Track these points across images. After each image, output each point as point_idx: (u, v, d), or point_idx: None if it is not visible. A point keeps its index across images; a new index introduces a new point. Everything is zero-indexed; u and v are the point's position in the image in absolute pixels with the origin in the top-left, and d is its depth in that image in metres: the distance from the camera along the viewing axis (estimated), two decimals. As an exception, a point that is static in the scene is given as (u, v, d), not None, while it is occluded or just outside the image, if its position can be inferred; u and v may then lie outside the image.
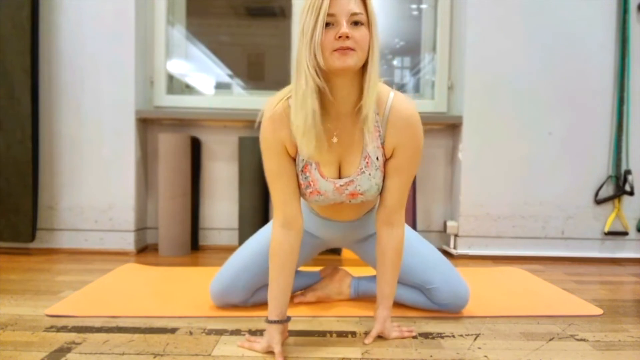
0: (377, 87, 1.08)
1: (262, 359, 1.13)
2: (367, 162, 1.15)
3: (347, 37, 1.00)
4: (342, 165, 1.18)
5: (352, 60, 1.01)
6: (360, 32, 1.02)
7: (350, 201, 1.23)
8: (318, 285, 1.60)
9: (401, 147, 1.14)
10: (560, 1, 2.40)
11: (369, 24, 1.04)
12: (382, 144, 1.15)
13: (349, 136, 1.15)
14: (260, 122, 1.16)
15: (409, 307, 1.50)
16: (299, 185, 1.19)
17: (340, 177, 1.19)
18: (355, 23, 1.02)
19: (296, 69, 1.05)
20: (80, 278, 1.89)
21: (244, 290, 1.44)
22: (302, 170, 1.17)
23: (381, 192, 1.21)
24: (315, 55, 1.01)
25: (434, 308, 1.46)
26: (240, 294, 1.45)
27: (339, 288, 1.59)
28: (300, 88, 1.04)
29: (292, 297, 1.54)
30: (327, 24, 1.01)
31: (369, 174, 1.16)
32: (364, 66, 1.06)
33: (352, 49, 1.01)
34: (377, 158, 1.15)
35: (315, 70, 1.02)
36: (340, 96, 1.09)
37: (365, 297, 1.60)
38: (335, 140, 1.14)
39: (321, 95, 1.06)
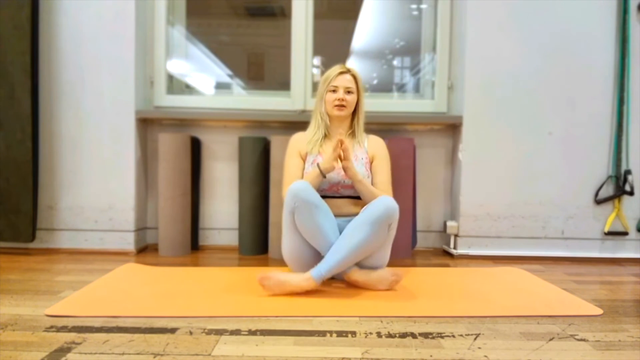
0: (362, 127, 2.02)
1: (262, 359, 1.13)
2: (355, 157, 1.94)
3: (343, 99, 1.91)
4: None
5: (344, 112, 1.94)
6: (351, 97, 1.94)
7: (344, 181, 1.88)
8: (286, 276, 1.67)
9: (377, 154, 1.99)
10: (560, 1, 2.40)
11: (357, 91, 1.97)
12: (366, 151, 1.98)
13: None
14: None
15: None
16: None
17: None
18: (348, 92, 1.93)
19: (314, 112, 2.03)
20: (80, 278, 1.89)
21: None
22: (311, 163, 1.91)
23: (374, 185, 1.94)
24: (323, 106, 1.97)
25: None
26: None
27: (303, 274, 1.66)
28: (317, 121, 2.00)
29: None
30: (333, 91, 1.93)
31: (356, 163, 1.91)
32: (353, 114, 2.00)
33: (345, 106, 1.92)
34: (362, 158, 1.95)
35: (324, 114, 1.97)
36: (337, 127, 1.99)
37: (329, 274, 1.63)
38: None
39: (327, 127, 1.98)
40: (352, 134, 2.00)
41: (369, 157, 1.98)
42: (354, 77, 1.95)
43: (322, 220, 1.69)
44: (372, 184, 1.94)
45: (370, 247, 1.68)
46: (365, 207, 1.74)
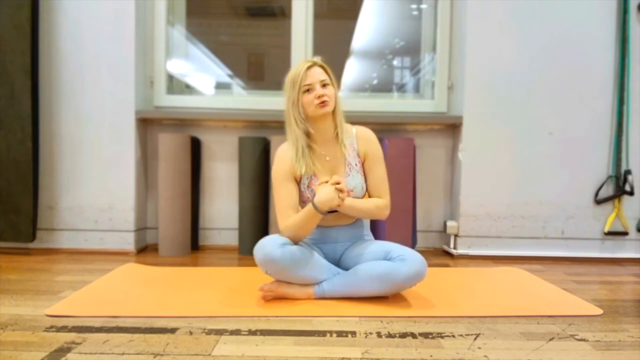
0: (344, 122, 1.73)
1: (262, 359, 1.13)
2: (350, 168, 1.70)
3: (323, 95, 1.61)
4: (334, 174, 1.69)
5: (329, 108, 1.64)
6: (329, 90, 1.65)
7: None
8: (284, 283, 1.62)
9: (369, 152, 1.72)
10: (560, 1, 2.40)
11: (332, 84, 1.67)
12: (357, 154, 1.72)
13: (335, 154, 1.71)
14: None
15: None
16: (306, 200, 1.67)
17: None
18: (324, 85, 1.64)
19: (288, 123, 1.69)
20: (80, 278, 1.89)
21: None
22: (307, 186, 1.68)
23: (368, 187, 1.72)
24: (299, 112, 1.64)
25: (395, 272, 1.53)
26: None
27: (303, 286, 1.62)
28: (293, 133, 1.67)
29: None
30: (307, 90, 1.63)
31: (353, 176, 1.69)
32: (333, 111, 1.69)
33: (327, 101, 1.62)
34: (355, 164, 1.71)
35: (302, 121, 1.65)
36: (322, 130, 1.69)
37: (330, 296, 1.60)
38: (327, 159, 1.71)
39: (310, 134, 1.67)
40: (337, 134, 1.71)
41: (360, 159, 1.73)
42: (323, 67, 1.67)
43: (302, 271, 1.56)
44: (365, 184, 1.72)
45: (380, 295, 1.61)
46: (400, 255, 1.56)
